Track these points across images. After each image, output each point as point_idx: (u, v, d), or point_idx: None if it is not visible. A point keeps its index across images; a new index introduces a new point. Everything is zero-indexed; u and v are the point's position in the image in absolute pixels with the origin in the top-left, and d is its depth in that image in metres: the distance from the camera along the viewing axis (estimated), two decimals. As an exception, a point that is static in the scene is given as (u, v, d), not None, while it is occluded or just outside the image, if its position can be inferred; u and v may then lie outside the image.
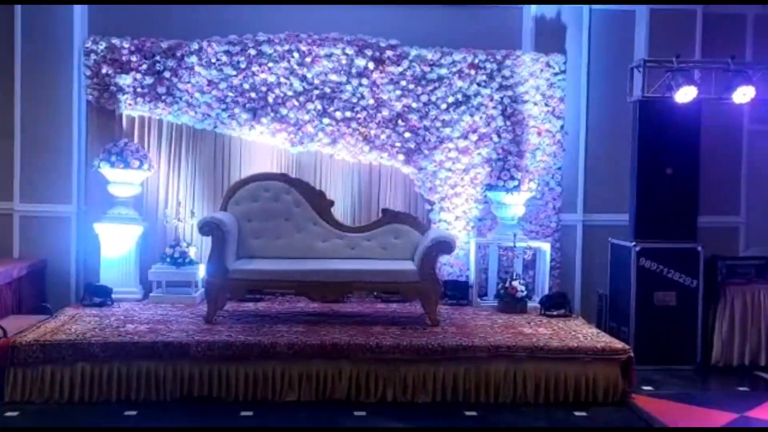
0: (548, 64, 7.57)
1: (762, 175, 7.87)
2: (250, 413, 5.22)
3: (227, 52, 7.31)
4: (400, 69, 7.42)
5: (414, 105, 7.48)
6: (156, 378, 5.38)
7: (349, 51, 7.36)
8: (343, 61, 7.38)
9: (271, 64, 7.34)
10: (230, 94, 7.37)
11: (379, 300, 7.33)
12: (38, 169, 7.32)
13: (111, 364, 5.37)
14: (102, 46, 7.28)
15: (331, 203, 7.07)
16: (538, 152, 7.62)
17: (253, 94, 7.39)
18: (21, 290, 6.79)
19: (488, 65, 7.51)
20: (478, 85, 7.52)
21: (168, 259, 7.11)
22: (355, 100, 7.45)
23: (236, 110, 7.39)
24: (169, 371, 5.39)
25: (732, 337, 6.75)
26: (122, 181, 7.10)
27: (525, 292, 6.94)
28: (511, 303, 6.90)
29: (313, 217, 6.93)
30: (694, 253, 6.65)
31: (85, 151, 7.40)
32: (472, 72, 7.49)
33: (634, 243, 6.67)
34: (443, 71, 7.47)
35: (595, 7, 7.61)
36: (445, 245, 6.38)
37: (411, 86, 7.45)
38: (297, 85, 7.40)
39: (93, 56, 7.28)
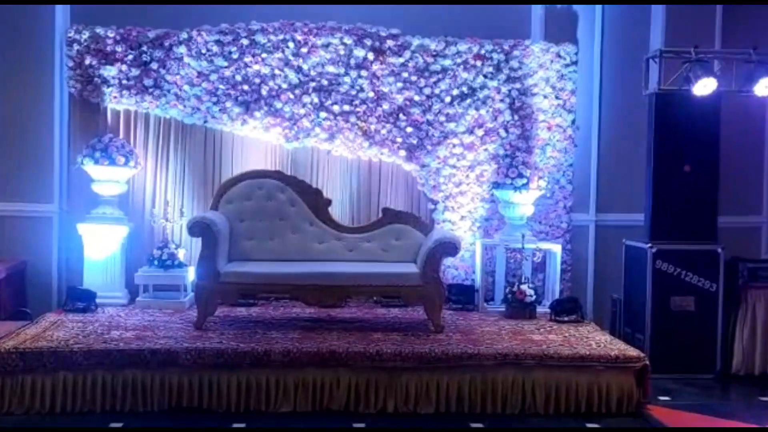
0: (559, 55, 7.59)
1: (786, 172, 7.90)
2: (242, 425, 5.23)
3: (218, 42, 7.34)
4: (401, 60, 7.44)
5: (416, 98, 7.50)
6: (143, 388, 5.40)
7: (348, 41, 7.39)
8: (341, 52, 7.40)
9: (264, 55, 7.37)
10: (221, 86, 7.40)
11: (380, 305, 7.34)
12: (18, 166, 7.35)
13: (95, 373, 5.38)
14: (85, 35, 7.30)
15: (329, 202, 7.09)
16: (548, 148, 7.65)
17: (245, 87, 7.41)
18: (-1, 294, 6.81)
19: (495, 56, 7.53)
20: (485, 77, 7.54)
21: (155, 262, 7.13)
22: (353, 92, 7.47)
23: (228, 104, 7.41)
24: (156, 380, 5.41)
25: (754, 344, 6.74)
26: (107, 178, 7.13)
27: (534, 297, 6.96)
28: (519, 308, 6.92)
29: (310, 217, 6.95)
30: (714, 255, 6.65)
31: (67, 147, 7.43)
32: (478, 63, 7.52)
33: (649, 244, 6.68)
34: (447, 62, 7.49)
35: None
36: (449, 247, 6.40)
37: (413, 78, 7.48)
38: (292, 76, 7.42)
39: (76, 46, 7.30)
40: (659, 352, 6.46)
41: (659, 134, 6.75)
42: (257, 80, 7.41)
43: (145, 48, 7.30)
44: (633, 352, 5.75)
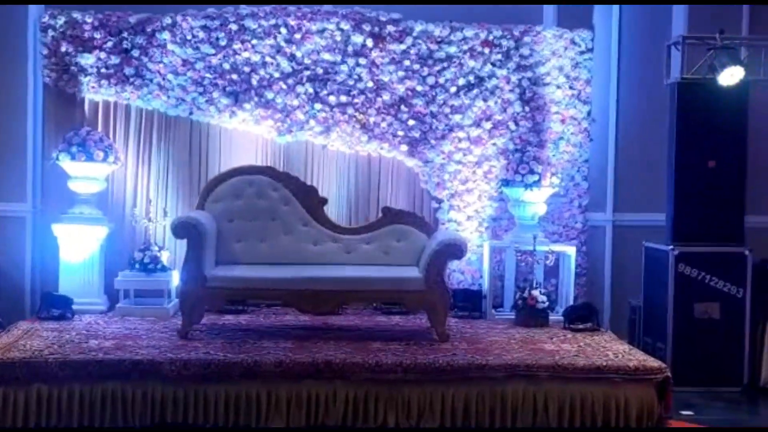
0: (573, 41, 7.60)
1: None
2: (231, 441, 5.25)
3: (204, 28, 7.34)
4: (402, 47, 7.44)
5: (419, 88, 7.50)
6: (123, 401, 5.38)
7: (345, 26, 7.39)
8: (338, 38, 7.40)
9: (255, 41, 7.37)
10: (208, 75, 7.40)
11: (380, 312, 7.36)
12: (-13, 162, 7.37)
13: (72, 386, 5.36)
14: (61, 20, 7.30)
15: (324, 201, 7.09)
16: (562, 142, 7.65)
17: (234, 76, 7.41)
18: (-32, 301, 6.81)
19: (504, 42, 7.53)
20: (493, 65, 7.55)
21: (137, 265, 7.12)
22: (351, 82, 7.48)
23: (215, 94, 7.42)
24: (138, 393, 5.39)
25: (784, 355, 6.78)
26: (84, 175, 7.13)
27: (546, 303, 6.96)
28: (530, 315, 6.92)
29: (304, 217, 6.95)
30: (741, 258, 6.66)
31: (41, 141, 7.44)
32: (486, 50, 7.52)
33: (671, 247, 6.69)
34: (452, 49, 7.49)
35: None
36: (454, 249, 6.39)
37: (415, 67, 7.48)
38: (285, 65, 7.43)
39: (50, 32, 7.31)
40: (682, 363, 6.48)
41: (682, 127, 6.76)
42: (247, 69, 7.41)
43: (125, 34, 7.30)
44: (653, 363, 5.74)
